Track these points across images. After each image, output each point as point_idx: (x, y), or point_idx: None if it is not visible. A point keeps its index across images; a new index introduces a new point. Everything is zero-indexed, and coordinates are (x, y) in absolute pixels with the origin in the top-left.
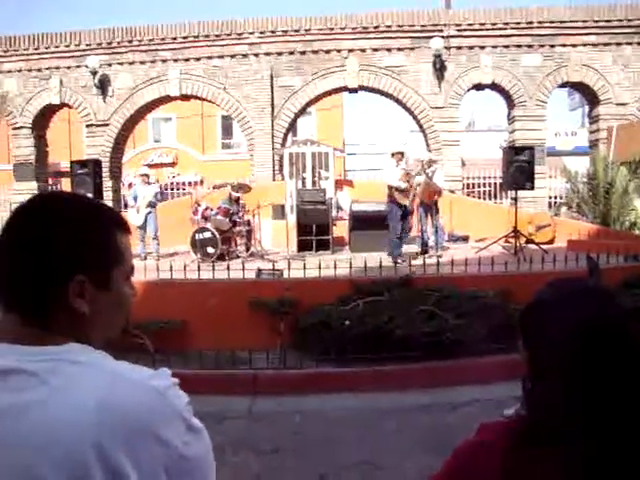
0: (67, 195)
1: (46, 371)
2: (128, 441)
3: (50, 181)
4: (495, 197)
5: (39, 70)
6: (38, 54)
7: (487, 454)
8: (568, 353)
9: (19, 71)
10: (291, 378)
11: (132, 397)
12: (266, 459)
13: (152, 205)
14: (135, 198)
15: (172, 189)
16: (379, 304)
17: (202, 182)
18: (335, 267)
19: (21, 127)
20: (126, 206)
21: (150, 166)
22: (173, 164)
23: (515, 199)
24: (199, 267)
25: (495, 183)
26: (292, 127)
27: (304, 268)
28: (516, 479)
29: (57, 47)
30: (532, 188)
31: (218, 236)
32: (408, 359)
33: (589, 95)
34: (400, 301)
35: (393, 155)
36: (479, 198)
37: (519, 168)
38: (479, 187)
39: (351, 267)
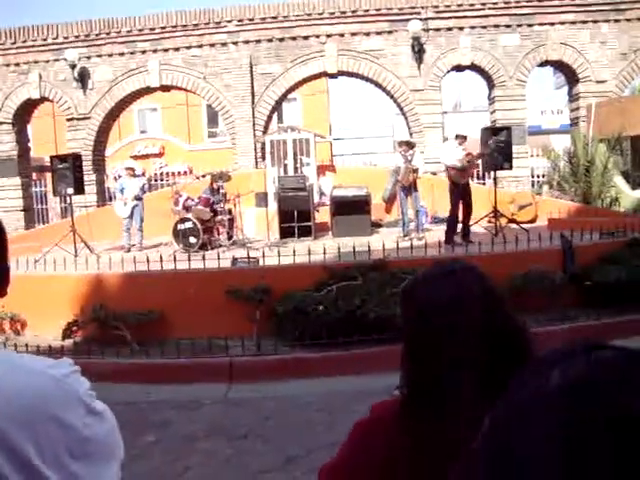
0: None
1: None
2: (27, 425)
3: (34, 176)
4: (479, 177)
5: (17, 65)
6: (16, 48)
7: (379, 430)
8: (416, 329)
9: None
10: (267, 364)
11: (28, 384)
12: (237, 444)
13: (138, 198)
14: (122, 191)
15: (160, 180)
16: (353, 288)
17: (191, 171)
18: (309, 253)
19: (1, 123)
20: (111, 199)
21: (137, 157)
22: (160, 155)
23: (495, 179)
24: (175, 258)
25: (479, 163)
26: (274, 114)
27: (279, 255)
28: (402, 445)
29: (34, 41)
30: (510, 168)
31: (199, 226)
32: (382, 342)
33: (569, 73)
34: (373, 285)
35: (457, 137)
36: None
37: (497, 148)
38: None
39: (325, 252)
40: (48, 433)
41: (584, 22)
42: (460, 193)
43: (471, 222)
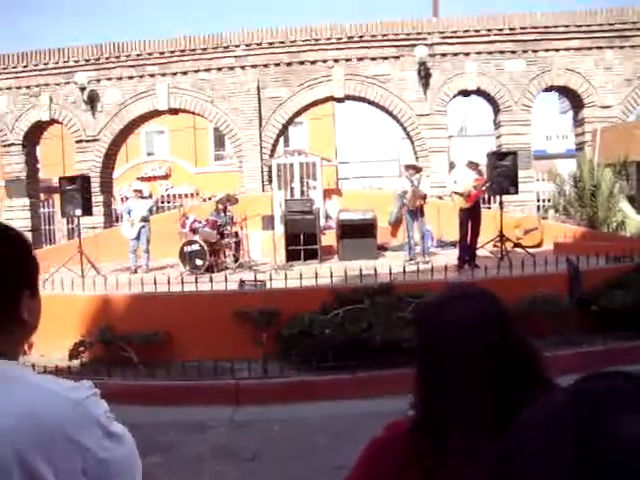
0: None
1: None
2: (45, 446)
3: (42, 197)
4: (485, 202)
5: (28, 87)
6: (27, 71)
7: (392, 448)
8: (429, 352)
9: (9, 89)
10: (273, 387)
11: (49, 406)
12: (244, 466)
13: (145, 219)
14: (129, 212)
15: (167, 202)
16: (359, 312)
17: (197, 194)
18: (316, 276)
19: (12, 144)
20: (117, 220)
21: (144, 179)
22: (166, 177)
23: (501, 204)
24: (182, 280)
25: (484, 189)
26: (280, 138)
27: (285, 278)
28: (413, 464)
29: (46, 64)
30: (516, 192)
31: (206, 248)
32: (388, 365)
33: (574, 99)
34: (380, 308)
35: (470, 164)
36: None
37: (502, 173)
38: None
39: (332, 276)
40: (65, 455)
41: (589, 48)
42: (467, 217)
43: (477, 246)
